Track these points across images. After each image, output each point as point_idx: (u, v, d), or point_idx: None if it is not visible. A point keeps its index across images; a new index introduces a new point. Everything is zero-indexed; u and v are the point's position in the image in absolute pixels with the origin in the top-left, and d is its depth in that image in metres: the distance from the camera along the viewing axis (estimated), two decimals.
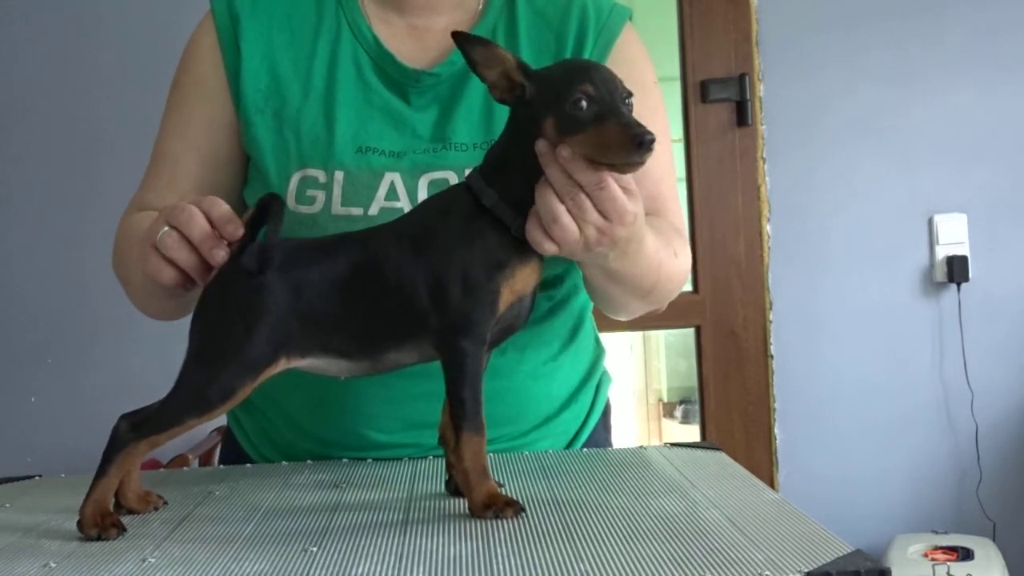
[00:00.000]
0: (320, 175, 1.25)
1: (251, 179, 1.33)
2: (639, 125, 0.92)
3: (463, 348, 0.95)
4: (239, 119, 1.30)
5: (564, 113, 0.94)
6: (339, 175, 1.25)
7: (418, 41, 1.32)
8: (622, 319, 1.33)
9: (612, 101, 0.94)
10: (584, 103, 0.93)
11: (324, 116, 1.27)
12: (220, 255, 1.00)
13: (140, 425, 0.95)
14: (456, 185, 1.04)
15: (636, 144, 0.91)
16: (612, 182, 0.97)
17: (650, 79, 1.33)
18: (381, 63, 1.30)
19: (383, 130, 1.27)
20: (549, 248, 0.99)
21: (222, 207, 1.02)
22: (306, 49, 1.31)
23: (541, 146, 0.96)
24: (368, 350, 1.00)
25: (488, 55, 0.98)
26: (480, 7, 1.34)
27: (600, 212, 0.99)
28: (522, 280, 0.99)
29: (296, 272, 0.97)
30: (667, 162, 1.34)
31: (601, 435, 1.40)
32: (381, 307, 0.97)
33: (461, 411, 0.95)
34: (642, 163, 0.93)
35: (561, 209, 0.97)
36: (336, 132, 1.26)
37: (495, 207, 0.98)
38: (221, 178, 1.32)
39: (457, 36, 0.99)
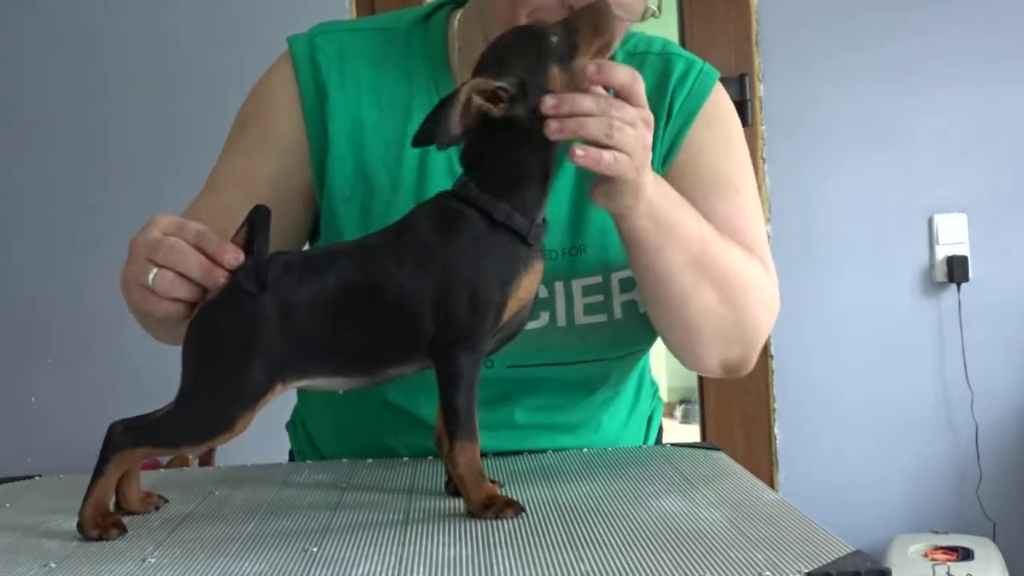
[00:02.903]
0: None
1: None
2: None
3: (461, 360, 0.94)
4: (320, 204, 1.25)
5: (555, 50, 0.98)
6: None
7: None
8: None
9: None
10: (554, 36, 0.99)
11: None
12: (222, 281, 0.96)
13: (136, 430, 0.94)
14: (443, 197, 1.00)
15: (604, 5, 1.00)
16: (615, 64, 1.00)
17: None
18: None
19: None
20: (624, 160, 0.99)
21: (213, 238, 0.97)
22: (396, 132, 1.24)
23: (555, 91, 0.97)
24: (365, 369, 0.98)
25: (472, 106, 0.95)
26: None
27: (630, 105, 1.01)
28: (526, 288, 0.98)
29: (286, 294, 0.94)
30: (753, 211, 1.28)
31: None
32: (379, 327, 0.95)
33: (455, 420, 0.94)
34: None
35: (618, 114, 0.98)
36: None
37: (509, 219, 0.97)
38: (283, 241, 1.21)
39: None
